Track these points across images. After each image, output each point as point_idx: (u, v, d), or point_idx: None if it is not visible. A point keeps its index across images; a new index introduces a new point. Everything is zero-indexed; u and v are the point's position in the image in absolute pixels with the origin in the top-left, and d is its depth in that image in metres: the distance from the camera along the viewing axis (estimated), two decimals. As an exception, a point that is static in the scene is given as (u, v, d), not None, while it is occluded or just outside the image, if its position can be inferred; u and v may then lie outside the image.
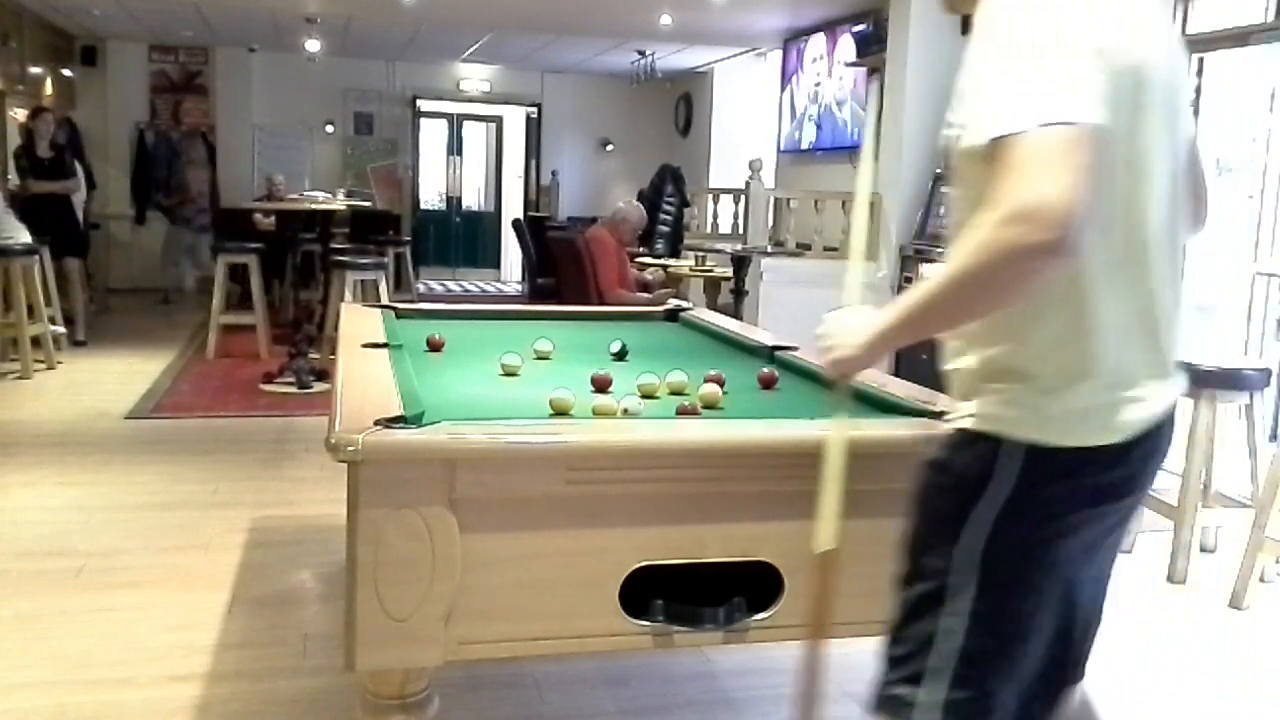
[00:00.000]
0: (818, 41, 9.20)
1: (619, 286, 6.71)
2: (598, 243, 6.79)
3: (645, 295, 6.77)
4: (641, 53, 11.24)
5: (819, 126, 9.26)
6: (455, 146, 14.65)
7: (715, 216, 8.92)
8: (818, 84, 9.25)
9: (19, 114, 8.93)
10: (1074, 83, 1.30)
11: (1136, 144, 1.41)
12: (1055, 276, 1.31)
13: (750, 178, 7.19)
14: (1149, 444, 1.51)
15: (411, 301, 7.23)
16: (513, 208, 14.21)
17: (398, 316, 3.46)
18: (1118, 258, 1.43)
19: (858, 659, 3.01)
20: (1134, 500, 1.60)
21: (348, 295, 6.84)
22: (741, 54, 11.25)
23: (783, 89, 10.06)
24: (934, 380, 4.30)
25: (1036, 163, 1.26)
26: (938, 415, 2.14)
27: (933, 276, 1.40)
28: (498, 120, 14.50)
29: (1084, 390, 1.44)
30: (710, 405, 2.32)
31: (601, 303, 6.25)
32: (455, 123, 14.46)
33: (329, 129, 12.62)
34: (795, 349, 2.93)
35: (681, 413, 2.24)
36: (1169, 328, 1.53)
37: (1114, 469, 1.49)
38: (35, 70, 9.88)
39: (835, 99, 8.91)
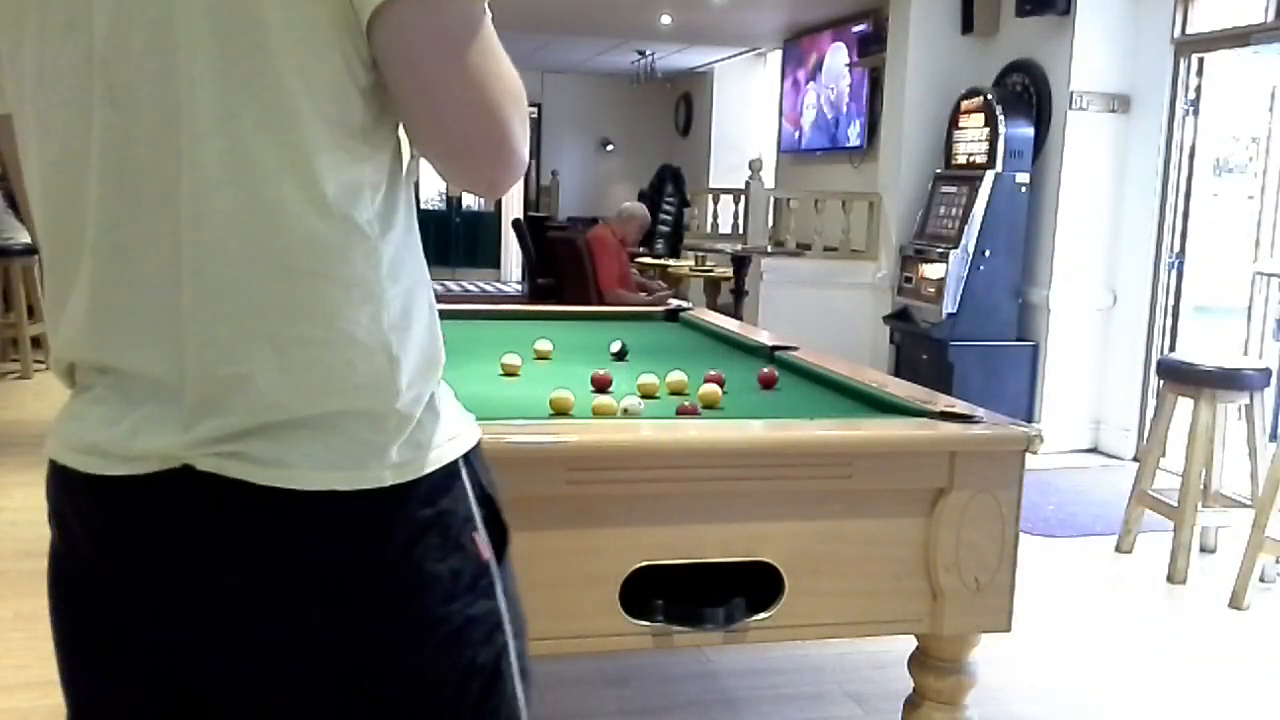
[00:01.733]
0: (817, 41, 9.21)
1: (619, 286, 6.71)
2: (599, 241, 6.81)
3: (644, 296, 6.77)
4: (641, 53, 11.25)
5: (819, 126, 9.26)
6: (455, 146, 14.62)
7: (715, 216, 8.93)
8: (817, 84, 9.25)
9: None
10: None
11: (12, 97, 1.03)
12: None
13: (750, 178, 7.19)
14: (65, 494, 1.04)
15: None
16: (513, 208, 14.20)
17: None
18: (44, 239, 1.04)
19: (857, 659, 3.02)
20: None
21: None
22: (741, 54, 11.25)
23: (782, 89, 10.06)
24: (934, 380, 4.29)
25: None
26: (938, 415, 2.14)
27: None
28: (498, 120, 14.49)
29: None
30: (710, 405, 2.32)
31: (600, 302, 6.25)
32: (455, 123, 14.44)
33: (329, 129, 12.60)
34: (795, 349, 2.93)
35: (681, 413, 2.24)
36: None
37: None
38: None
39: (835, 99, 8.91)
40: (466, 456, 1.05)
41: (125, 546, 0.99)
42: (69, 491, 1.03)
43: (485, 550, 1.04)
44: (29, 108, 1.00)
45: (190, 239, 0.94)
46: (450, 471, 1.02)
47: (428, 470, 0.99)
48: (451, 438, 1.03)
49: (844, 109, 8.77)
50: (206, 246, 0.94)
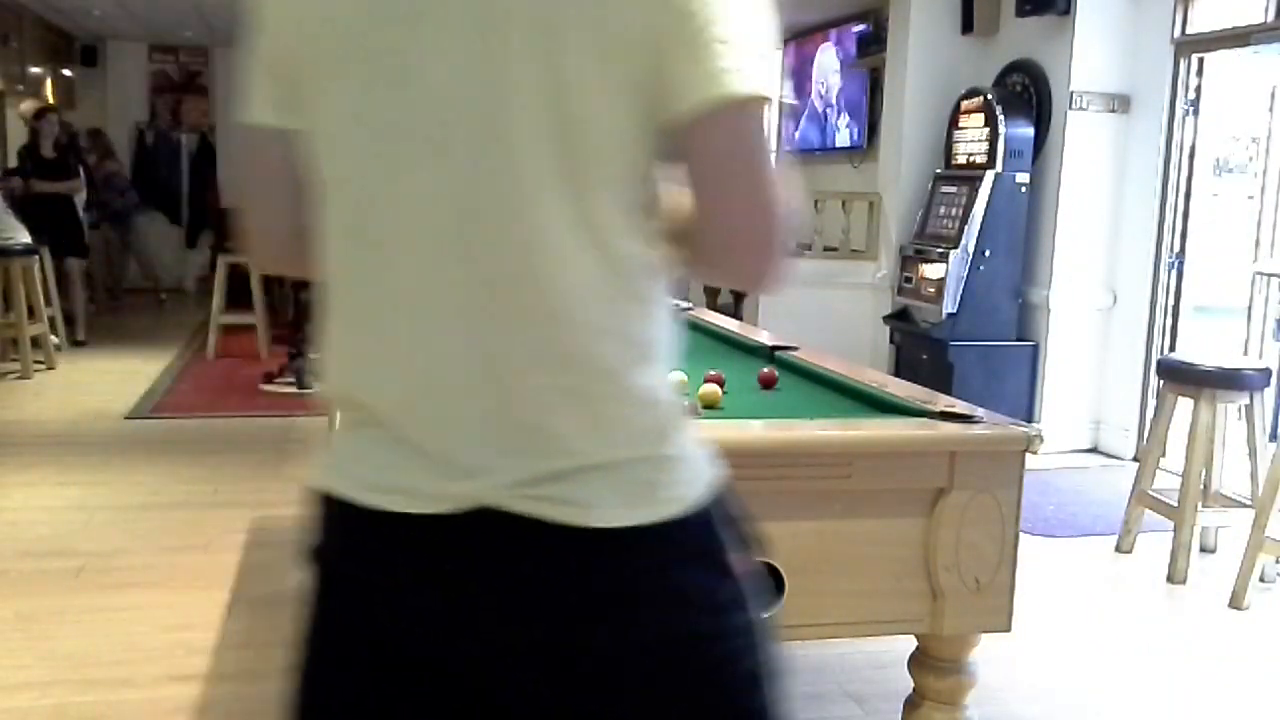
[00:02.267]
0: (817, 42, 9.21)
1: None
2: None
3: None
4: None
5: (818, 126, 9.26)
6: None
7: (715, 216, 8.92)
8: (816, 83, 9.25)
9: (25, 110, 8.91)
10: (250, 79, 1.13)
11: (320, 128, 1.08)
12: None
13: (750, 178, 7.18)
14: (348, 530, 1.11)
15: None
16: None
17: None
18: (336, 273, 1.09)
19: (857, 659, 3.02)
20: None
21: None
22: (741, 54, 11.24)
23: (782, 89, 10.06)
24: (934, 380, 4.29)
25: None
26: (938, 415, 2.14)
27: None
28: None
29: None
30: (710, 405, 2.32)
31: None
32: (455, 123, 14.43)
33: (329, 129, 12.59)
34: (795, 349, 2.94)
35: (681, 413, 2.24)
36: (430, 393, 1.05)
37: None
38: (35, 70, 9.88)
39: (835, 99, 8.91)
40: (719, 487, 1.14)
41: (418, 576, 1.06)
42: (349, 524, 1.09)
43: (742, 568, 1.14)
44: (334, 142, 1.06)
45: (500, 295, 1.02)
46: (710, 502, 1.11)
47: (694, 503, 1.09)
48: (706, 473, 1.13)
49: (843, 109, 8.77)
50: (514, 304, 1.02)
